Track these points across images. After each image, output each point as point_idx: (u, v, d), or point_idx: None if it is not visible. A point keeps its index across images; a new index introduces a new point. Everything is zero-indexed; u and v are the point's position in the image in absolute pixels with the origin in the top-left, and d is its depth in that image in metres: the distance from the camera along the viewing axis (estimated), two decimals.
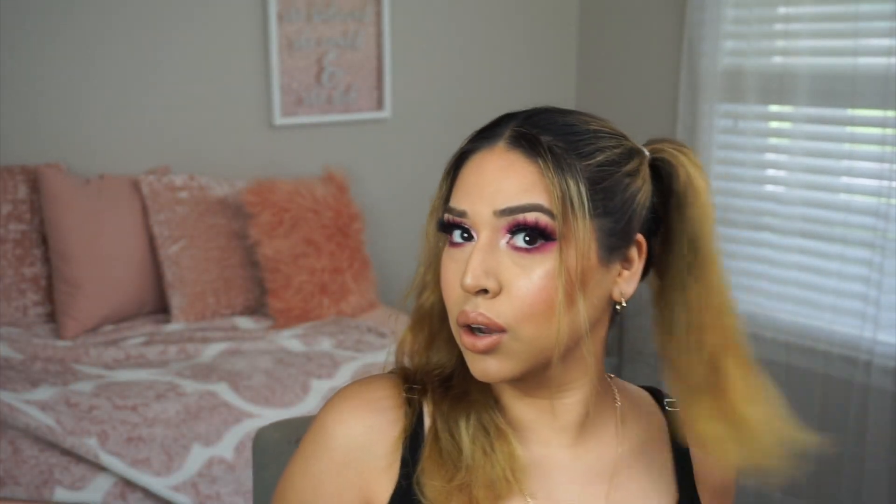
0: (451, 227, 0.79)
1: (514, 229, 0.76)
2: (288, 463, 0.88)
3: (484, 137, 0.81)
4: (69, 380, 2.11)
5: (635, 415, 0.90)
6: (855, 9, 2.46)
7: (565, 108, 0.86)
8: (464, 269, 0.76)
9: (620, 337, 3.18)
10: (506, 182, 0.77)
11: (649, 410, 0.92)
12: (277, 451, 1.10)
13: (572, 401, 0.85)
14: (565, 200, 0.75)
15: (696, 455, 0.92)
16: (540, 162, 0.77)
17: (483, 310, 0.76)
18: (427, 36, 3.18)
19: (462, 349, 0.80)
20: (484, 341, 0.77)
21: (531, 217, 0.75)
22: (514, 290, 0.76)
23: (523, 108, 0.87)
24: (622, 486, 0.86)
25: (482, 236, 0.77)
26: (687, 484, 0.90)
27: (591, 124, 0.82)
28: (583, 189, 0.76)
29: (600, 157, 0.78)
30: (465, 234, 0.79)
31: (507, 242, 0.76)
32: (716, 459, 0.90)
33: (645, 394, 0.94)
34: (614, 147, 0.80)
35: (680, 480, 0.90)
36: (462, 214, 0.78)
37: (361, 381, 0.88)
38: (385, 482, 0.82)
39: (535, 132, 0.79)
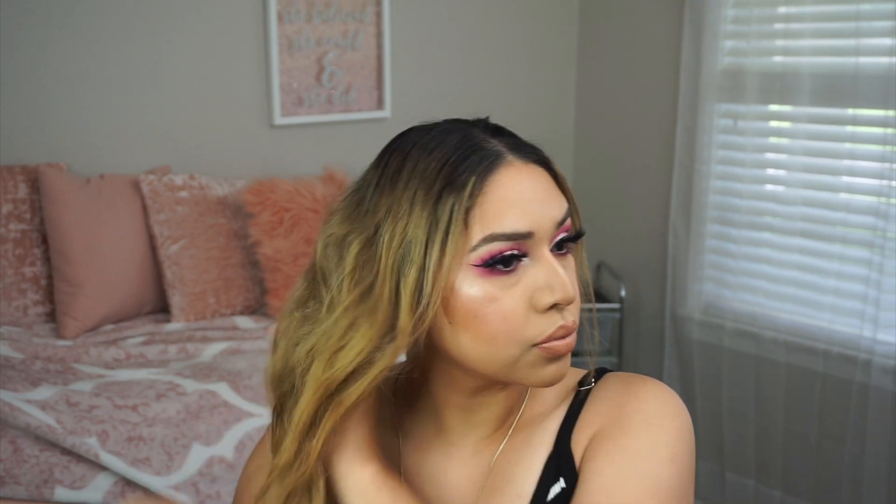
0: (507, 258, 0.74)
1: (559, 239, 0.78)
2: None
3: (484, 157, 0.75)
4: (69, 379, 2.11)
5: (540, 398, 0.88)
6: (856, 8, 2.46)
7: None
8: (534, 286, 0.75)
9: (620, 336, 3.19)
10: (549, 193, 0.77)
11: (561, 393, 0.88)
12: None
13: (504, 394, 0.85)
14: (573, 206, 0.80)
15: (590, 402, 0.85)
16: (551, 170, 0.79)
17: (571, 316, 0.78)
18: (427, 36, 3.18)
19: (535, 363, 0.77)
20: (572, 339, 0.78)
21: (569, 223, 0.79)
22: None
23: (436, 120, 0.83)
24: (502, 467, 0.85)
25: (544, 251, 0.76)
26: (561, 442, 0.84)
27: None
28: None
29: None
30: (519, 257, 0.75)
31: (550, 251, 0.77)
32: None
33: (577, 376, 0.90)
34: None
35: (560, 435, 0.84)
36: (528, 236, 0.75)
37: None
38: None
39: (531, 145, 0.80)
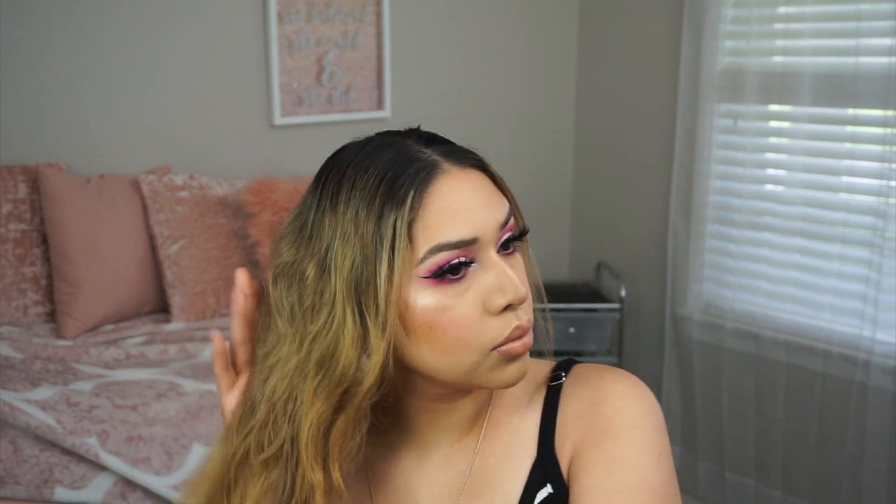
0: (455, 266, 0.75)
1: (505, 239, 0.78)
2: None
3: (420, 168, 0.75)
4: (69, 379, 2.11)
5: (509, 396, 0.88)
6: (856, 8, 2.46)
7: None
8: (486, 291, 0.76)
9: (620, 336, 3.18)
10: (490, 196, 0.77)
11: (530, 389, 0.88)
12: None
13: (471, 397, 0.85)
14: (514, 204, 0.81)
15: (565, 402, 0.85)
16: (488, 172, 0.80)
17: (525, 315, 0.78)
18: (427, 36, 3.18)
19: (496, 366, 0.78)
20: (529, 337, 0.78)
21: (512, 223, 0.79)
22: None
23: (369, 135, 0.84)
24: (481, 473, 0.85)
25: (491, 254, 0.77)
26: (545, 448, 0.85)
27: None
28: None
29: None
30: (467, 263, 0.76)
31: (497, 252, 0.78)
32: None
33: (543, 369, 0.90)
34: None
35: (542, 441, 0.85)
36: (473, 242, 0.75)
37: None
38: None
39: (464, 149, 0.80)
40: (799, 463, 2.70)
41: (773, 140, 2.81)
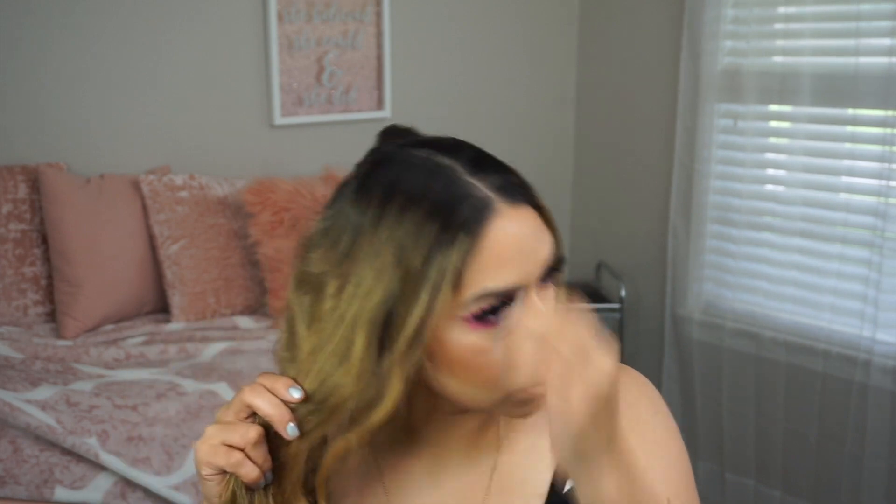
0: (496, 308, 0.72)
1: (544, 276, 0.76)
2: None
3: (473, 208, 0.72)
4: (69, 379, 2.11)
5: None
6: (856, 8, 2.46)
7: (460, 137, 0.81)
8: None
9: (620, 336, 3.19)
10: (538, 236, 0.74)
11: None
12: None
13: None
14: (555, 233, 0.77)
15: None
16: (536, 205, 0.76)
17: None
18: (427, 36, 3.18)
19: (519, 403, 0.77)
20: None
21: (555, 260, 0.76)
22: None
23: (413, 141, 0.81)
24: (504, 472, 0.85)
25: (531, 294, 0.73)
26: None
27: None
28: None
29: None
30: (507, 304, 0.73)
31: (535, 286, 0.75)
32: None
33: None
34: None
35: None
36: (519, 287, 0.73)
37: None
38: None
39: (514, 177, 0.76)
40: (799, 463, 2.70)
41: (772, 140, 2.81)
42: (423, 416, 0.83)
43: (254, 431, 0.75)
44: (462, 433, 0.85)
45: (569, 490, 0.82)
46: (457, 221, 0.71)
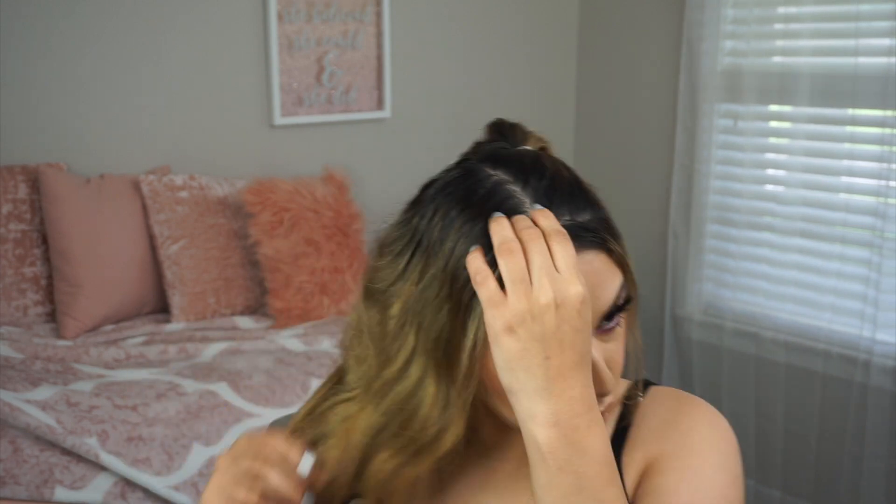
0: None
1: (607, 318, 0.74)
2: None
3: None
4: (69, 379, 2.11)
5: None
6: (855, 8, 2.46)
7: (540, 152, 0.80)
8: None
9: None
10: (602, 278, 0.73)
11: None
12: None
13: None
14: (627, 271, 0.75)
15: (637, 424, 0.85)
16: (610, 246, 0.74)
17: (609, 399, 0.76)
18: (427, 36, 3.18)
19: None
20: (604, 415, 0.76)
21: (621, 302, 0.75)
22: (613, 366, 0.76)
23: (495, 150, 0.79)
24: None
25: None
26: (616, 452, 0.84)
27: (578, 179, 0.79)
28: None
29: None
30: None
31: (597, 330, 0.74)
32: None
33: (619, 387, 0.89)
34: None
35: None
36: None
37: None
38: None
39: (588, 217, 0.74)
40: (799, 463, 2.70)
41: (772, 140, 2.82)
42: (480, 421, 0.82)
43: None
44: (518, 442, 0.82)
45: None
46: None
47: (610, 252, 0.74)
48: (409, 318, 0.73)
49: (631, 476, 0.81)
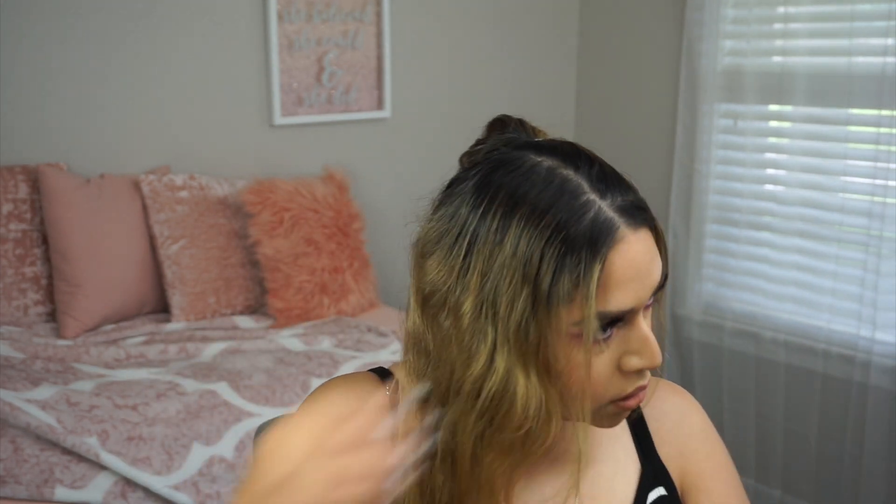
0: (605, 327, 0.74)
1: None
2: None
3: (597, 233, 0.72)
4: (70, 379, 2.11)
5: None
6: (851, 8, 2.46)
7: (582, 144, 0.81)
8: (622, 350, 0.75)
9: None
10: (653, 261, 0.75)
11: None
12: None
13: None
14: (664, 250, 0.78)
15: (651, 418, 0.93)
16: (654, 227, 0.77)
17: (648, 375, 0.78)
18: (427, 36, 3.18)
19: (606, 415, 0.79)
20: (644, 392, 0.79)
21: (663, 280, 0.78)
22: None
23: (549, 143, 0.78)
24: (588, 480, 0.87)
25: (639, 316, 0.75)
26: (648, 451, 0.91)
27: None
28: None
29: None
30: (616, 324, 0.75)
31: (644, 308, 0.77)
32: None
33: None
34: None
35: (641, 451, 0.91)
36: (631, 311, 0.74)
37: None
38: None
39: (634, 197, 0.76)
40: (798, 462, 2.70)
41: (772, 140, 2.81)
42: None
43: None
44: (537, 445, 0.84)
45: (654, 500, 0.88)
46: (583, 245, 0.71)
47: (655, 231, 0.76)
48: (484, 310, 0.72)
49: (673, 469, 0.91)
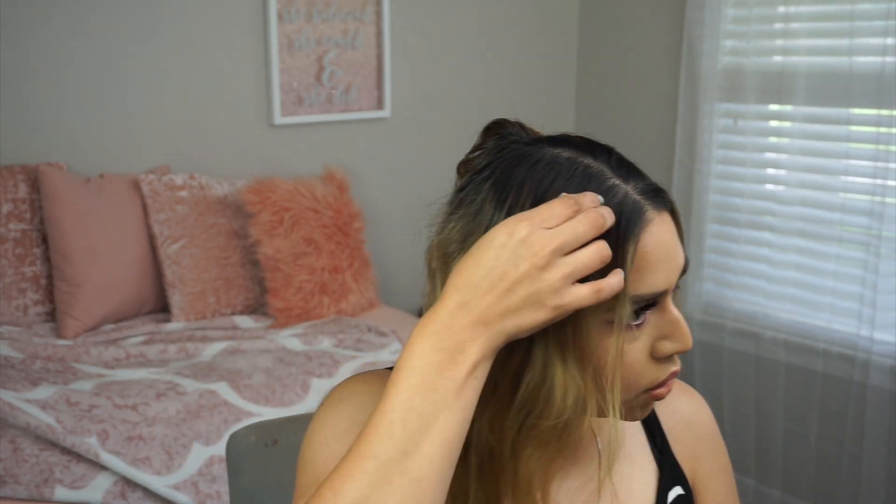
0: (638, 312, 0.73)
1: None
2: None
3: (625, 216, 0.72)
4: (69, 379, 2.11)
5: None
6: (851, 8, 2.46)
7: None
8: (655, 336, 0.75)
9: None
10: (677, 244, 0.76)
11: None
12: (254, 454, 1.03)
13: None
14: (682, 235, 0.78)
15: (664, 416, 0.93)
16: (673, 210, 0.77)
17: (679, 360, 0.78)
18: (427, 36, 3.18)
19: (638, 405, 0.78)
20: (674, 380, 0.78)
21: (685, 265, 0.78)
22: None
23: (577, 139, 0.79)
24: (612, 480, 0.87)
25: (668, 299, 0.75)
26: (664, 449, 0.92)
27: None
28: None
29: None
30: (649, 308, 0.74)
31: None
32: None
33: None
34: None
35: (658, 454, 0.91)
36: (663, 294, 0.74)
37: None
38: None
39: (652, 182, 0.77)
40: (798, 462, 2.70)
41: (773, 140, 2.81)
42: None
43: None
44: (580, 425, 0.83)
45: (674, 500, 0.88)
46: (614, 228, 0.70)
47: (675, 216, 0.77)
48: None
49: (686, 467, 0.92)
